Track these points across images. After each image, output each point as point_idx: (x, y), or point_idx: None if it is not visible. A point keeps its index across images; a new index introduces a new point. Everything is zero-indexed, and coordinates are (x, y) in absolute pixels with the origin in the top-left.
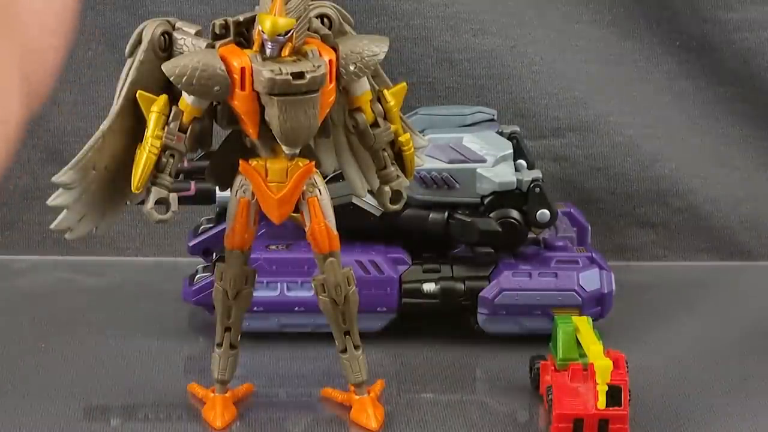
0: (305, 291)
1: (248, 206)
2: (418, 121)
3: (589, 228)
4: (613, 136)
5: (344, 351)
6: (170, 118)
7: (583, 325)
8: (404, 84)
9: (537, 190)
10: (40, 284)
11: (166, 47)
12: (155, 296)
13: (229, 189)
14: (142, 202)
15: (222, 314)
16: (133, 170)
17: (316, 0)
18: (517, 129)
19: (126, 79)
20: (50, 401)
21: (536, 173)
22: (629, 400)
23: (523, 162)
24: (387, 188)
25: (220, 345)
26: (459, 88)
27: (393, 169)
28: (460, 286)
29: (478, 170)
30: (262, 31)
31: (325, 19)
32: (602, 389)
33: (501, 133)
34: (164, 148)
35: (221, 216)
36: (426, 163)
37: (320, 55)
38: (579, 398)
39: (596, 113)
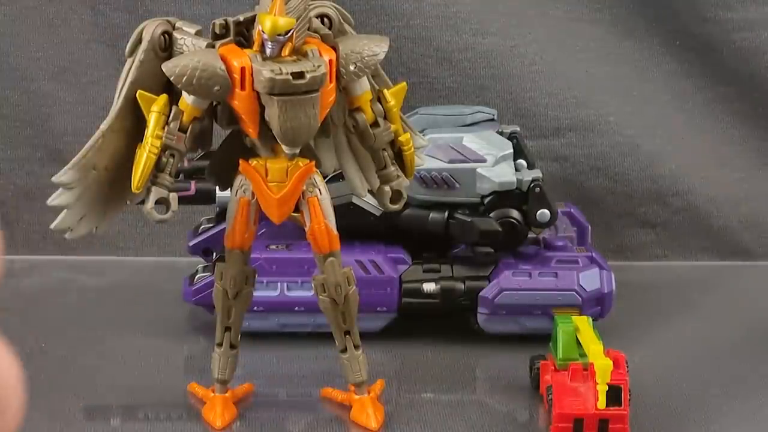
0: (305, 291)
1: (248, 206)
2: (418, 121)
3: (589, 228)
4: (613, 136)
5: (344, 351)
6: (170, 117)
7: (583, 325)
8: (404, 84)
9: (537, 189)
10: (40, 284)
11: (166, 47)
12: (155, 296)
13: (229, 189)
14: (142, 202)
15: (222, 314)
16: (133, 170)
17: (316, 0)
18: (517, 129)
19: (126, 78)
20: (50, 401)
21: (536, 173)
22: (629, 400)
23: (523, 162)
24: (387, 188)
25: (220, 345)
26: (459, 88)
27: (393, 169)
28: (460, 285)
29: (478, 170)
30: (262, 31)
31: (325, 19)
32: (602, 389)
33: (501, 133)
34: (164, 148)
35: (221, 216)
36: (426, 162)
37: (320, 54)
38: (579, 398)
39: (596, 113)
